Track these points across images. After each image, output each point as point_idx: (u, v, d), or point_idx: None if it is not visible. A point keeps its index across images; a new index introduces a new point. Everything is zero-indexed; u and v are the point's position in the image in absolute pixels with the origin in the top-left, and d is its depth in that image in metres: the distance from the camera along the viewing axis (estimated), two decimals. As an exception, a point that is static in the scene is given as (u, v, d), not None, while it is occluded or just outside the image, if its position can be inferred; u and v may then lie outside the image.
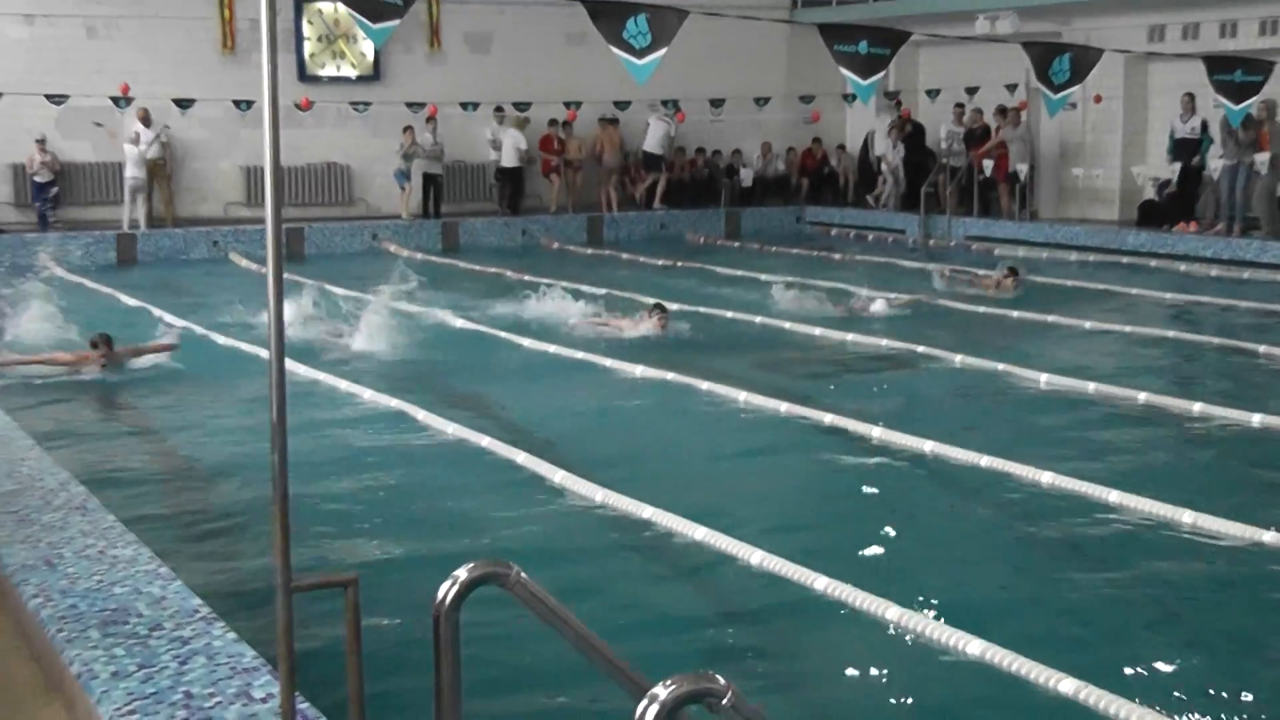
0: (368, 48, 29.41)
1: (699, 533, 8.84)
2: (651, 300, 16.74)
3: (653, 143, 31.30)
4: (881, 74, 9.29)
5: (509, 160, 29.90)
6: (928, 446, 11.18)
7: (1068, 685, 6.47)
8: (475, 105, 29.28)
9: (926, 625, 7.30)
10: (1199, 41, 26.26)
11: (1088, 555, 8.87)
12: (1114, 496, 9.72)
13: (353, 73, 29.75)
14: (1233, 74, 14.90)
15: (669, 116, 30.88)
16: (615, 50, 8.22)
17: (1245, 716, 6.28)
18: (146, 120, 26.83)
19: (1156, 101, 28.24)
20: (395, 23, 7.31)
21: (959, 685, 6.81)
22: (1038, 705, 6.44)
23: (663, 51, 8.22)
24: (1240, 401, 12.96)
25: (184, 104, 26.95)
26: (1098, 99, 28.16)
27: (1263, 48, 23.56)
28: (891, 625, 7.38)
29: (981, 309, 18.80)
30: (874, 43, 9.36)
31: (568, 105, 29.70)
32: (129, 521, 7.68)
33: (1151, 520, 9.34)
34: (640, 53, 8.19)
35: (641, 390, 13.67)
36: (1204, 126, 25.23)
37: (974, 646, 6.99)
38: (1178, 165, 26.33)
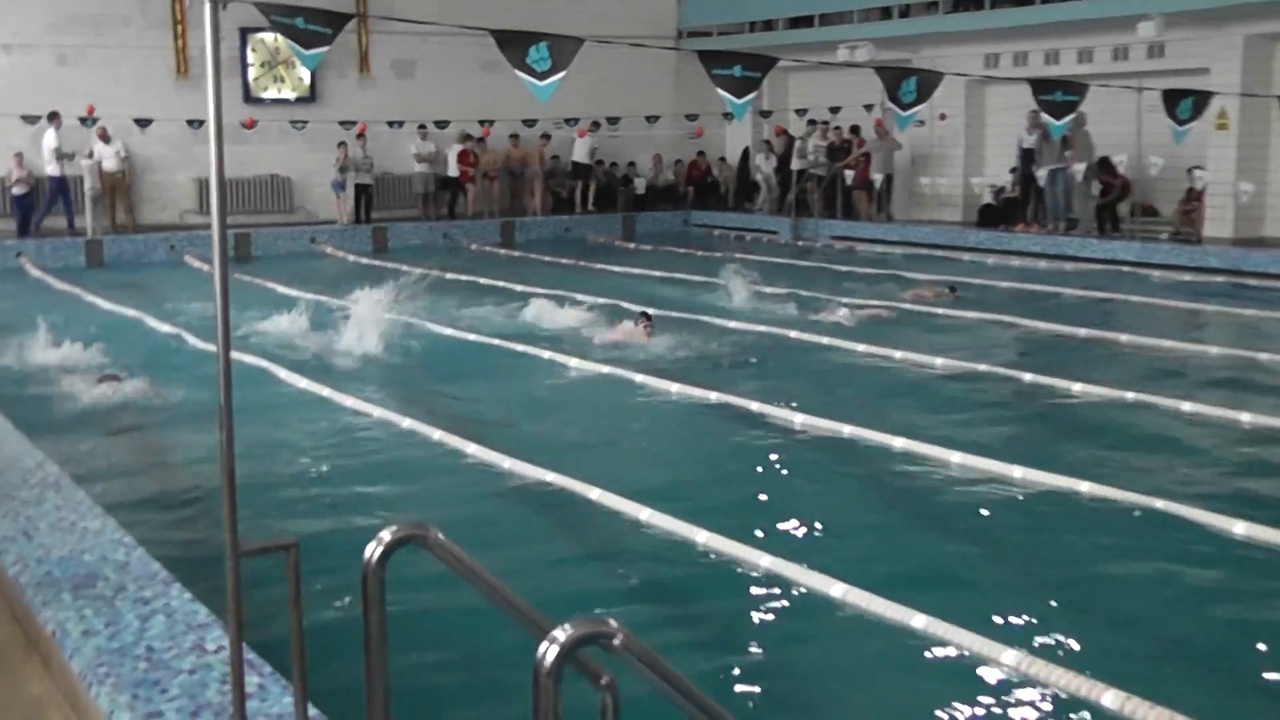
0: (305, 72, 29.35)
1: (593, 493, 8.96)
2: (637, 309, 16.12)
3: (580, 154, 31.42)
4: (754, 94, 9.27)
5: (453, 170, 30.24)
6: (798, 419, 11.29)
7: (919, 620, 6.56)
8: (401, 123, 29.16)
9: (795, 572, 7.35)
10: (1028, 67, 26.62)
11: (932, 503, 8.97)
12: (955, 457, 9.89)
13: (292, 95, 29.64)
14: (1054, 94, 15.10)
15: (593, 132, 30.98)
16: (520, 74, 8.20)
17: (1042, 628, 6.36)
18: (105, 137, 26.61)
19: (992, 119, 28.60)
20: (325, 49, 7.23)
21: (827, 624, 6.84)
22: (894, 636, 6.55)
23: (562, 74, 8.19)
24: (1064, 371, 13.31)
25: (143, 123, 26.73)
26: (943, 117, 28.50)
27: (1080, 72, 24.06)
28: (763, 573, 7.43)
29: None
30: (747, 67, 9.33)
31: (482, 123, 29.71)
32: (97, 496, 7.62)
33: (985, 475, 9.49)
34: (542, 75, 8.17)
35: (556, 371, 13.66)
36: (1044, 136, 25.45)
37: (836, 589, 7.06)
38: (1018, 172, 26.75)
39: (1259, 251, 22.26)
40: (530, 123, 29.53)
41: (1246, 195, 23.28)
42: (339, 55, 29.05)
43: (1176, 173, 24.79)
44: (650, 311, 15.88)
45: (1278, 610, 7.26)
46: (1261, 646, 6.60)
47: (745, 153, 33.44)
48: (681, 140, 32.66)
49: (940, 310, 17.64)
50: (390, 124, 29.00)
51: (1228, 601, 7.37)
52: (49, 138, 25.84)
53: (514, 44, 8.30)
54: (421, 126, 29.48)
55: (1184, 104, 17.82)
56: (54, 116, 25.83)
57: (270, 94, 29.40)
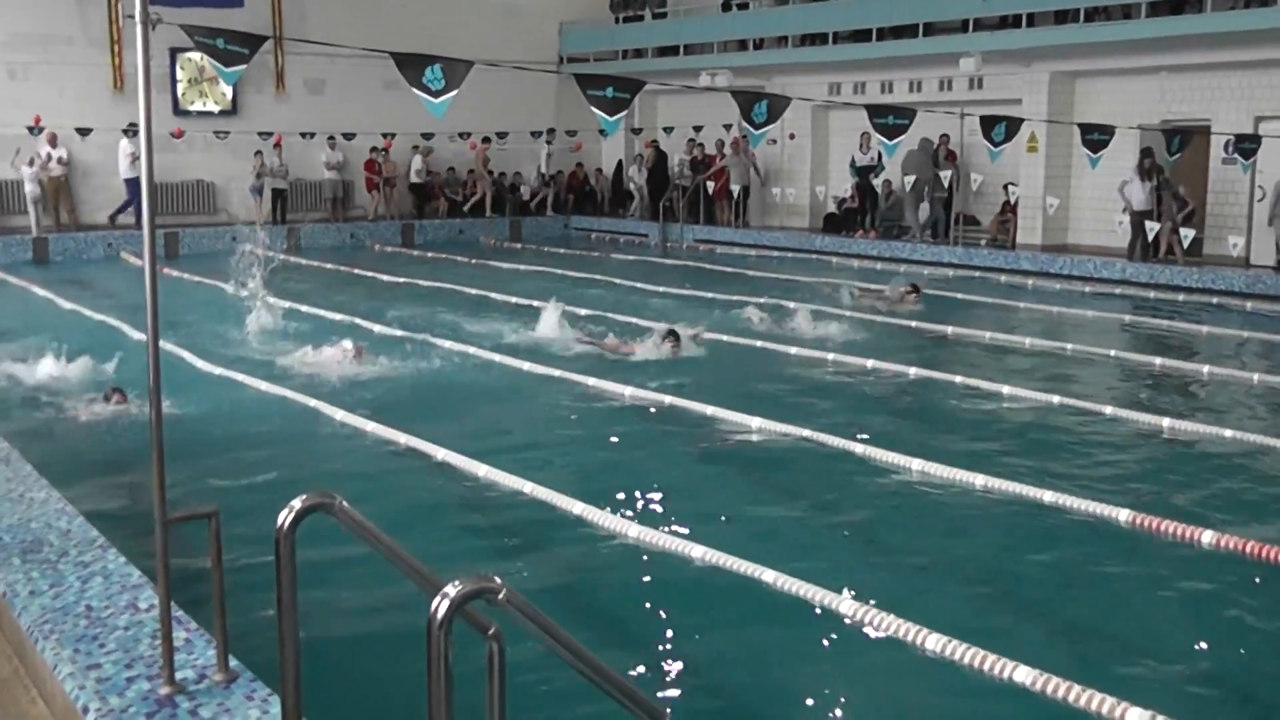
0: (227, 88, 28.88)
1: (481, 469, 8.94)
2: (664, 326, 14.37)
3: (414, 175, 31.29)
4: (624, 113, 9.33)
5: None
6: (668, 400, 11.36)
7: (769, 575, 6.63)
8: (312, 135, 28.84)
9: (655, 537, 7.39)
10: (865, 95, 27.01)
11: (784, 477, 9.04)
12: (806, 431, 9.99)
13: (216, 108, 29.12)
14: (886, 118, 15.34)
15: (427, 152, 30.81)
16: (416, 91, 8.18)
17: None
18: (54, 142, 26.19)
19: (835, 139, 28.90)
20: (243, 67, 7.17)
21: (688, 582, 6.88)
22: (750, 593, 6.60)
23: (454, 93, 8.18)
24: (900, 358, 13.53)
25: (84, 131, 26.27)
26: (792, 136, 28.84)
27: (911, 100, 24.34)
28: (632, 538, 7.45)
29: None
30: (618, 89, 9.39)
31: (385, 135, 29.51)
32: (43, 469, 7.55)
33: (835, 450, 9.59)
34: (437, 94, 8.16)
35: (456, 359, 13.59)
36: (879, 156, 25.70)
37: (697, 550, 7.10)
38: (853, 185, 27.15)
39: (1063, 256, 22.80)
40: (429, 135, 29.33)
41: (1053, 208, 23.86)
42: (257, 73, 28.54)
43: (994, 188, 25.31)
44: (680, 331, 14.14)
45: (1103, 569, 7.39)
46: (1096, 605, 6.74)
47: (619, 165, 33.52)
48: (563, 153, 32.65)
49: (793, 305, 17.73)
50: (303, 135, 28.68)
51: (1057, 554, 7.54)
52: (54, 153, 25.98)
53: (412, 65, 8.28)
54: (331, 138, 29.34)
55: (998, 128, 18.15)
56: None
57: (196, 107, 28.86)
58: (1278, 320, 17.65)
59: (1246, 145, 20.84)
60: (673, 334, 13.82)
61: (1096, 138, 19.99)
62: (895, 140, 15.01)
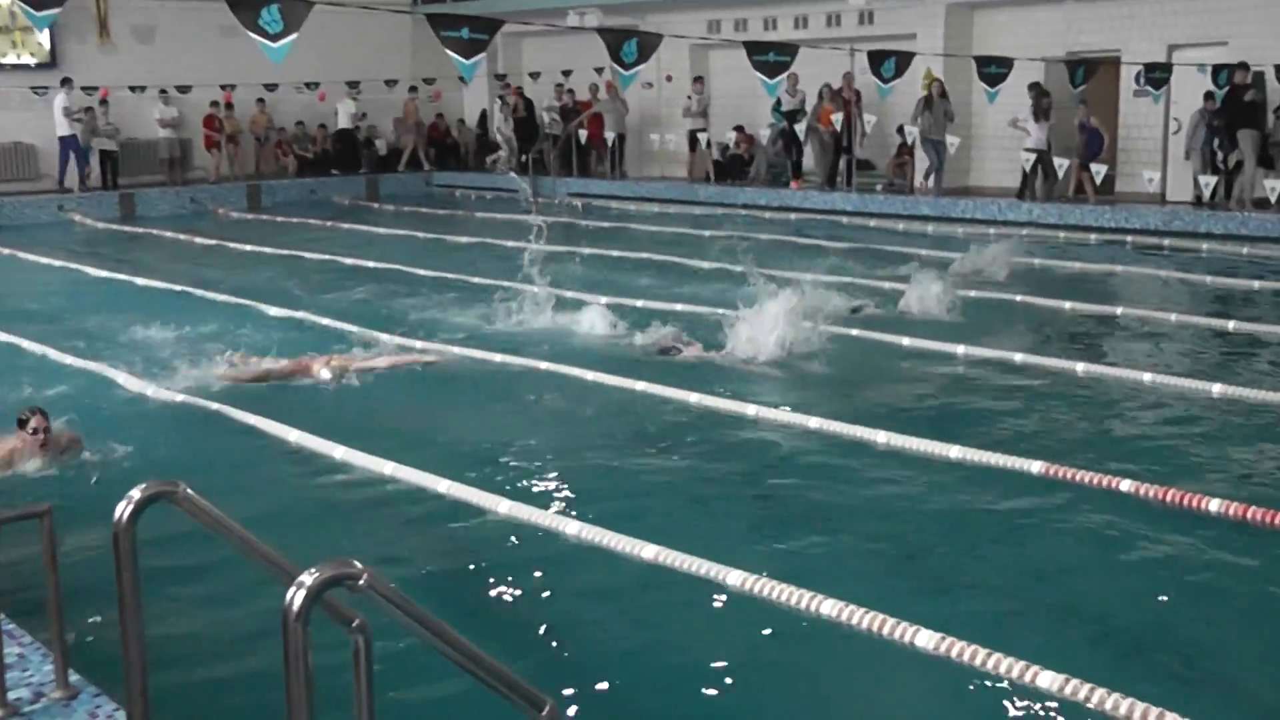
0: (44, 37, 28.00)
1: (339, 452, 8.85)
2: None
3: (344, 120, 31.31)
4: (481, 56, 9.27)
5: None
6: (542, 366, 11.37)
7: (649, 551, 6.69)
8: (143, 89, 28.28)
9: (533, 514, 7.41)
10: (747, 32, 27.04)
11: (650, 437, 9.07)
12: (693, 398, 10.02)
13: (32, 60, 28.36)
14: (767, 55, 15.45)
15: (356, 96, 30.80)
16: (252, 35, 8.06)
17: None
18: None
19: (717, 81, 28.89)
20: (56, 11, 7.00)
21: (566, 558, 6.90)
22: (627, 566, 6.68)
23: (293, 37, 8.09)
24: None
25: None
26: (669, 78, 28.80)
27: (795, 38, 24.38)
28: (503, 517, 7.46)
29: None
30: (474, 29, 9.35)
31: (224, 87, 29.00)
32: None
33: (719, 412, 9.65)
34: (274, 37, 8.06)
35: (307, 328, 13.46)
36: (804, 101, 25.73)
37: (571, 527, 7.13)
38: (775, 129, 26.88)
39: (965, 199, 23.11)
40: (271, 87, 28.88)
41: (953, 148, 24.04)
42: (78, 19, 27.88)
43: (888, 129, 25.55)
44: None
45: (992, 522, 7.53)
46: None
47: (483, 115, 33.29)
48: (421, 103, 32.32)
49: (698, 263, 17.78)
50: (132, 89, 28.11)
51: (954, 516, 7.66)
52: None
53: (246, 6, 8.16)
54: (164, 92, 28.65)
55: (887, 64, 18.36)
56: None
57: (9, 59, 28.07)
58: (1196, 257, 18.08)
59: (1157, 75, 21.28)
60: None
61: (994, 71, 20.30)
62: (776, 79, 15.10)
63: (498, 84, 32.18)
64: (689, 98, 27.56)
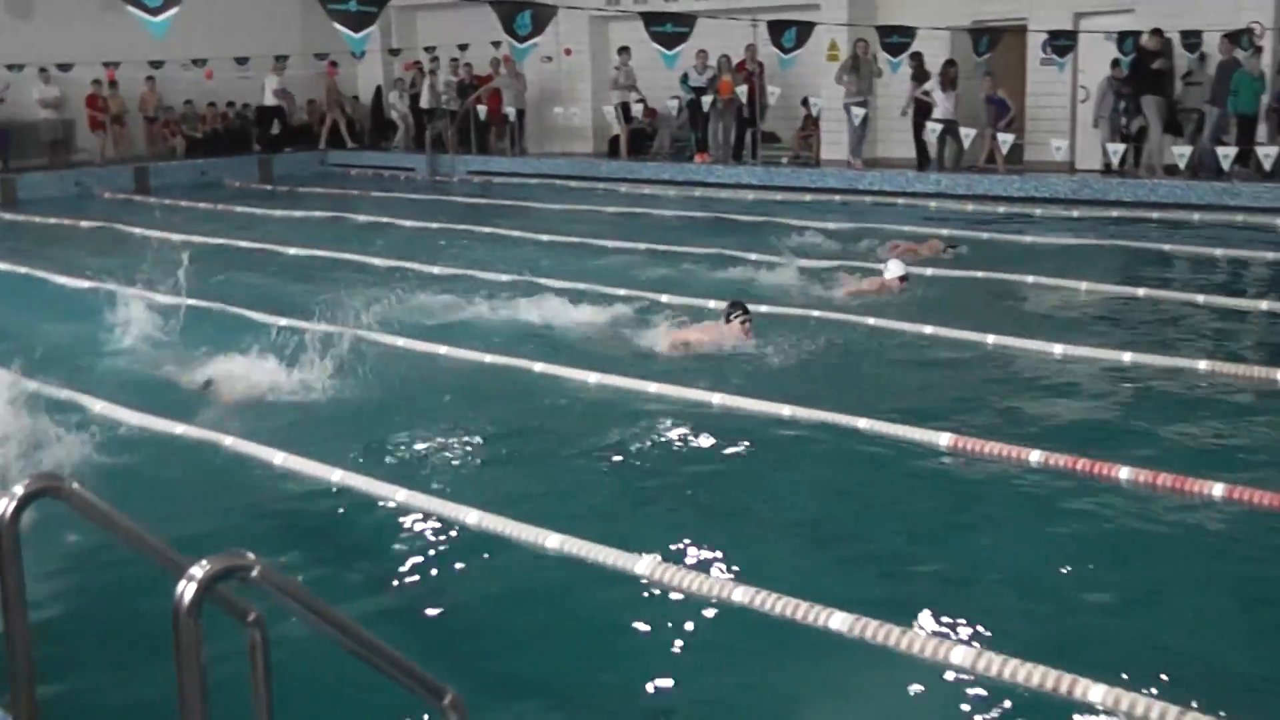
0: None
1: (227, 442, 8.77)
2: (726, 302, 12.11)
3: (269, 96, 31.02)
4: (371, 28, 9.19)
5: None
6: (441, 350, 11.32)
7: (553, 540, 6.66)
8: (21, 67, 27.71)
9: (430, 502, 7.41)
10: (648, 4, 26.95)
11: (574, 426, 9.07)
12: (593, 378, 10.05)
13: (-101, 38, 27.72)
14: (664, 26, 15.48)
15: (280, 70, 30.48)
16: (130, 8, 7.94)
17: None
18: None
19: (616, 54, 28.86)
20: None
21: (468, 549, 6.88)
22: (530, 554, 6.67)
23: (175, 10, 7.96)
24: (686, 291, 13.70)
25: None
26: (568, 51, 28.79)
27: (697, 8, 24.22)
28: (399, 505, 7.42)
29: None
30: (362, 1, 9.25)
31: (107, 65, 28.47)
32: None
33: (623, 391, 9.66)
34: (155, 11, 7.95)
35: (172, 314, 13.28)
36: (714, 77, 25.62)
37: (471, 516, 7.12)
38: (685, 103, 26.71)
39: (872, 171, 23.27)
40: (158, 64, 28.40)
41: (859, 120, 24.15)
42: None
43: (793, 101, 25.64)
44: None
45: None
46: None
47: (378, 91, 33.05)
48: (314, 79, 32.01)
49: (605, 243, 17.77)
50: (10, 67, 27.52)
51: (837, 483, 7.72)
52: None
53: (124, -24, 8.02)
54: (44, 70, 28.02)
55: (788, 34, 18.47)
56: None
57: (-125, 39, 27.46)
58: (1105, 225, 18.33)
59: (1062, 43, 21.55)
60: (739, 309, 11.44)
61: (896, 40, 20.45)
62: (674, 50, 15.14)
63: (392, 59, 31.99)
64: (616, 69, 27.38)
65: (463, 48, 29.42)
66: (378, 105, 33.03)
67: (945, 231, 17.63)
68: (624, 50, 27.28)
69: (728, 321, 11.27)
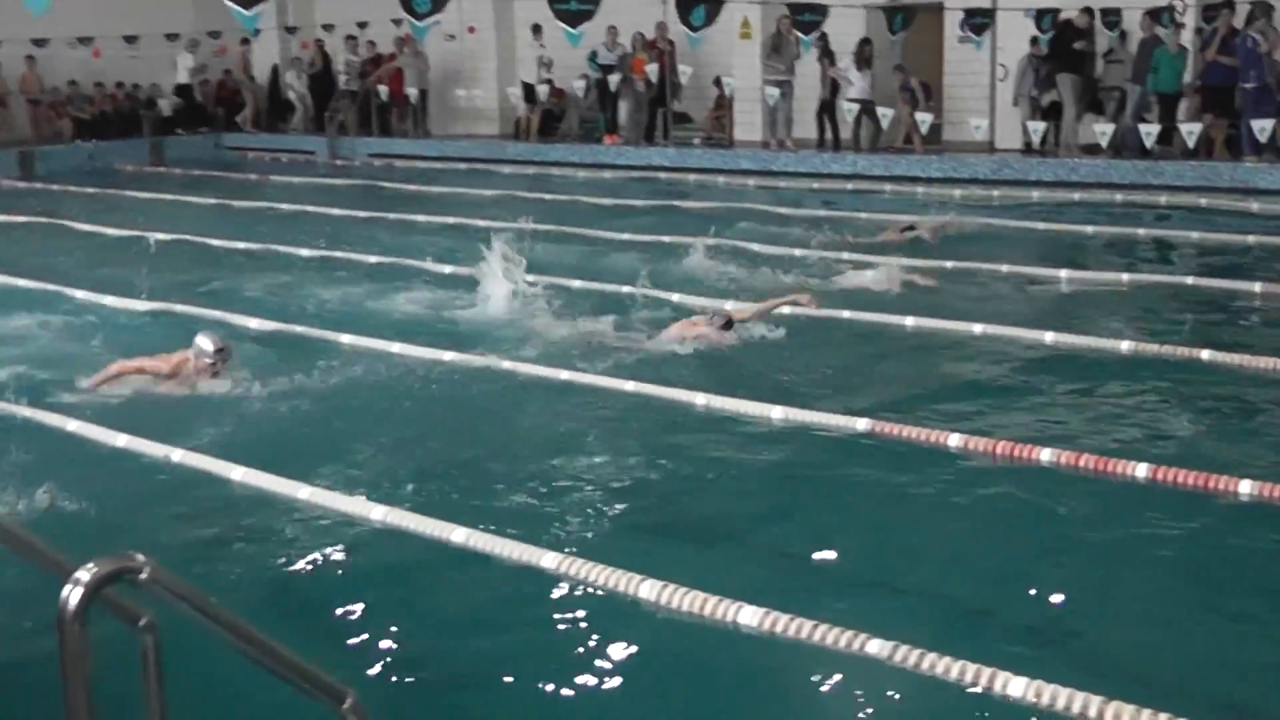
0: None
1: (121, 440, 8.59)
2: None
3: (183, 75, 30.85)
4: (263, 5, 9.08)
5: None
6: (345, 339, 11.23)
7: (458, 535, 6.63)
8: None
9: (334, 499, 7.32)
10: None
11: (478, 416, 9.02)
12: (506, 364, 9.99)
13: None
14: (568, 3, 15.45)
15: (194, 48, 30.41)
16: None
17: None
18: None
19: (522, 32, 28.70)
20: None
21: (366, 542, 6.83)
22: (439, 554, 6.61)
23: (59, -15, 7.82)
24: (596, 276, 13.66)
25: None
26: (472, 30, 28.61)
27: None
28: (304, 501, 7.34)
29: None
30: (251, -22, 9.15)
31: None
32: None
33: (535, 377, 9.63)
34: (34, -13, 7.80)
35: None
36: (624, 55, 25.49)
37: (376, 511, 7.06)
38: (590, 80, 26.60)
39: (786, 154, 23.32)
40: (42, 42, 27.91)
41: (772, 99, 24.20)
42: None
43: (705, 81, 25.66)
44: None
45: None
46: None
47: (274, 71, 32.69)
48: (206, 59, 31.66)
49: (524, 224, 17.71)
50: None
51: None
52: None
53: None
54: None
55: (696, 12, 18.48)
56: None
57: None
58: (1026, 206, 18.50)
59: (979, 20, 21.73)
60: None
61: (808, 19, 20.50)
62: (579, 28, 15.11)
63: (289, 37, 31.68)
64: (542, 47, 27.19)
65: (362, 25, 29.16)
66: (274, 86, 32.62)
67: (863, 216, 17.73)
68: (538, 29, 27.19)
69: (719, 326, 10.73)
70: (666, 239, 15.77)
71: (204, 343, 9.48)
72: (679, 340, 10.63)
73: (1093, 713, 4.70)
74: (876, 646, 5.24)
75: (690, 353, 10.49)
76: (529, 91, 27.31)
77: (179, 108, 30.90)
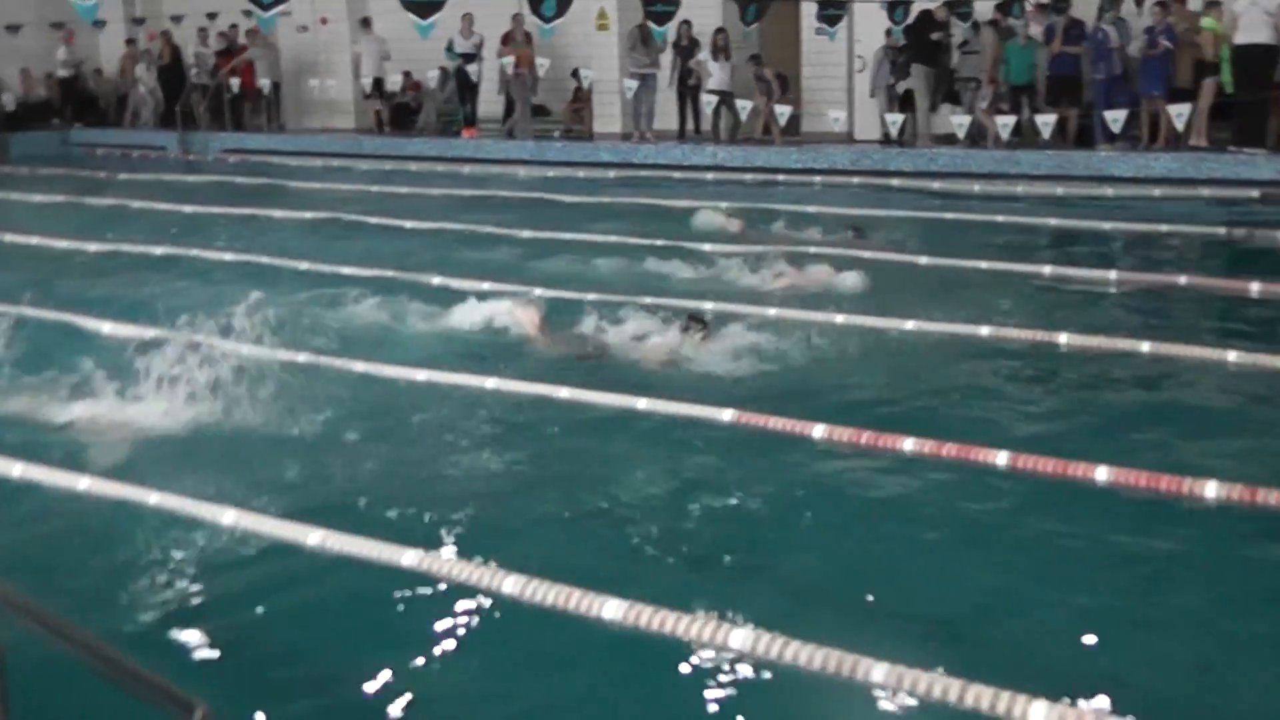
0: None
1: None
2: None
3: (61, 68, 30.70)
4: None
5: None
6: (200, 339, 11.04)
7: (314, 537, 6.53)
8: None
9: (182, 504, 7.16)
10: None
11: (334, 416, 8.92)
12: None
13: None
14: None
15: (70, 38, 30.01)
16: None
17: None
18: None
19: (376, 24, 28.44)
20: None
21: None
22: (296, 558, 6.49)
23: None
24: (457, 272, 13.36)
25: None
26: (324, 21, 28.35)
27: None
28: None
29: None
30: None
31: None
32: None
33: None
34: None
35: None
36: (481, 43, 25.45)
37: (227, 516, 6.91)
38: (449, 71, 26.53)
39: (646, 145, 23.38)
40: None
41: (630, 91, 24.25)
42: None
43: (563, 72, 25.62)
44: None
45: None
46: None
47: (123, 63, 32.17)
48: (51, 51, 31.02)
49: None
50: None
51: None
52: None
53: None
54: None
55: (548, 2, 18.43)
56: None
57: None
58: (885, 194, 18.70)
59: (832, 12, 21.95)
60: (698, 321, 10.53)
61: (660, 9, 20.55)
62: (430, 19, 15.03)
63: (137, 28, 31.17)
64: (381, 41, 26.98)
65: (211, 16, 28.75)
66: (124, 78, 32.01)
67: (724, 204, 17.80)
68: (366, 22, 27.00)
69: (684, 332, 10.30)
70: (525, 233, 15.74)
71: None
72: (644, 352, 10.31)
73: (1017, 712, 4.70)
74: (739, 638, 5.26)
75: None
76: (378, 86, 27.14)
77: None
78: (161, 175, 24.60)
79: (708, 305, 11.51)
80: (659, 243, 14.78)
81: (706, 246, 14.62)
